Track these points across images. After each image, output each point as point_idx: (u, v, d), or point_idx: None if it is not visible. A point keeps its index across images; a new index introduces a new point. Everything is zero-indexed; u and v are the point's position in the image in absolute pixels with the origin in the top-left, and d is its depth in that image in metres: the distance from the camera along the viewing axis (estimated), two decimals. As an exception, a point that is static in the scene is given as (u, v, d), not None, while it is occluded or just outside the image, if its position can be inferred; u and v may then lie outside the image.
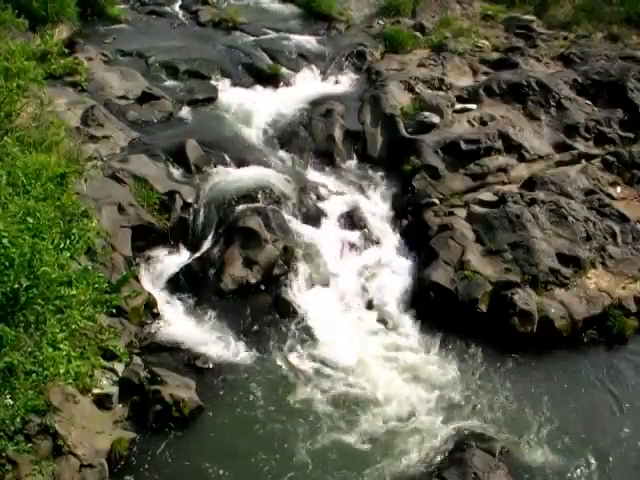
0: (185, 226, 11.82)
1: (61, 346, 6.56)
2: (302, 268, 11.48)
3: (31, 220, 6.71)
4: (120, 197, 11.43)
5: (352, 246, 11.99)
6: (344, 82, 15.86)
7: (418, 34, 17.39)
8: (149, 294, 10.69)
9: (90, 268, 7.39)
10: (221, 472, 8.57)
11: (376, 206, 12.72)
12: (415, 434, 9.14)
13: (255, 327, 10.68)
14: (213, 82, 15.23)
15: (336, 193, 12.81)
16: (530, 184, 12.62)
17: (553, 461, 8.88)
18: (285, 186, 12.55)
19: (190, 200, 12.00)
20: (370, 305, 11.19)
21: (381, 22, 18.26)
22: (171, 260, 11.44)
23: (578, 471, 8.78)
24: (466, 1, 19.38)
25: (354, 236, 12.08)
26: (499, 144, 13.34)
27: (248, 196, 12.12)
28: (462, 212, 12.21)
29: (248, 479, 8.58)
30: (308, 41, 17.19)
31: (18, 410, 6.46)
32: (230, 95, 14.99)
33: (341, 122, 14.07)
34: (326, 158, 13.62)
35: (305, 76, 15.91)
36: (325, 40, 17.37)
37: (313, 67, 16.16)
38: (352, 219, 12.31)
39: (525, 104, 14.33)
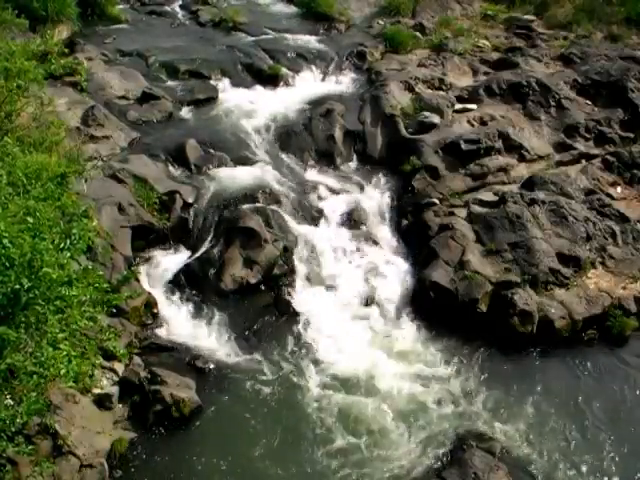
0: (185, 226, 11.82)
1: (61, 346, 6.56)
2: (302, 268, 11.49)
3: (31, 220, 6.72)
4: (120, 197, 11.43)
5: (352, 246, 11.98)
6: (344, 82, 15.88)
7: (418, 34, 17.42)
8: (149, 294, 10.69)
9: (90, 268, 7.39)
10: (221, 472, 8.57)
11: (376, 206, 12.72)
12: (415, 434, 9.14)
13: (255, 327, 10.68)
14: (213, 82, 15.26)
15: (336, 193, 12.81)
16: (530, 184, 12.62)
17: (553, 461, 8.88)
18: (285, 186, 12.56)
19: (190, 200, 12.01)
20: (370, 305, 11.18)
21: (381, 22, 18.28)
22: (171, 260, 11.44)
23: (578, 471, 8.78)
24: (466, 1, 19.41)
25: (354, 236, 12.08)
26: (499, 144, 13.35)
27: (248, 196, 12.13)
28: (462, 212, 12.21)
29: (248, 478, 8.58)
30: (308, 41, 17.23)
31: (22, 414, 6.45)
32: (230, 95, 15.01)
33: (341, 122, 14.08)
34: (326, 158, 13.63)
35: (305, 76, 15.92)
36: (325, 40, 17.40)
37: (313, 67, 16.17)
38: (352, 219, 12.31)
39: (525, 104, 14.34)
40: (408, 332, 10.78)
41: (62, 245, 6.93)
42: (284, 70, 15.80)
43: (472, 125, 13.87)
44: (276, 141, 13.79)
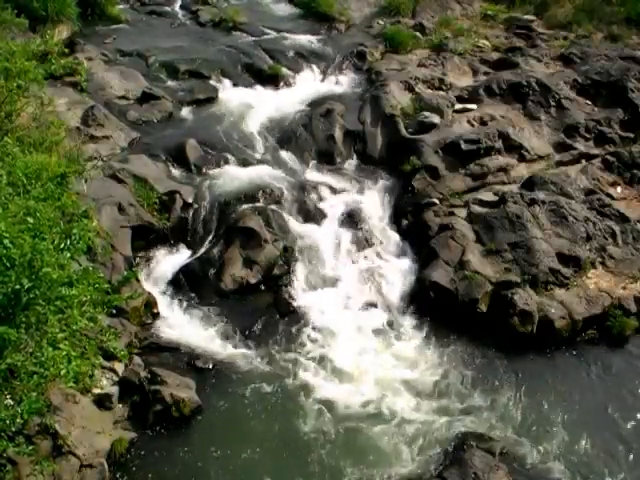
0: (185, 226, 11.83)
1: (61, 346, 6.56)
2: (302, 268, 11.49)
3: (31, 220, 6.72)
4: (120, 197, 11.44)
5: (352, 246, 11.97)
6: (344, 82, 15.87)
7: (418, 34, 17.41)
8: (149, 294, 10.69)
9: (90, 269, 7.39)
10: (221, 472, 8.57)
11: (376, 206, 12.72)
12: (415, 434, 9.14)
13: (255, 327, 10.68)
14: (213, 82, 15.25)
15: (336, 193, 12.80)
16: (530, 184, 12.62)
17: (553, 461, 8.87)
18: (285, 186, 12.55)
19: (190, 200, 12.02)
20: (370, 305, 11.19)
21: (381, 22, 18.27)
22: (171, 260, 11.44)
23: (578, 471, 8.78)
24: (466, 1, 19.39)
25: (354, 236, 12.07)
26: (499, 144, 13.35)
27: (248, 196, 12.14)
28: (462, 212, 12.21)
29: (247, 478, 8.58)
30: (308, 41, 17.21)
31: (22, 413, 6.45)
32: (230, 95, 15.00)
33: (341, 122, 14.07)
34: (326, 158, 13.62)
35: (305, 76, 15.92)
36: (325, 40, 17.38)
37: (313, 67, 16.17)
38: (352, 219, 12.30)
39: (525, 104, 14.34)
40: (408, 332, 10.78)
41: (62, 245, 6.93)
42: (284, 70, 15.80)
43: (472, 125, 13.86)
44: (276, 141, 13.80)
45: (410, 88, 14.86)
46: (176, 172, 12.66)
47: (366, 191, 12.95)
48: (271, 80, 15.57)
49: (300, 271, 11.44)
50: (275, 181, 12.61)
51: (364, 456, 8.86)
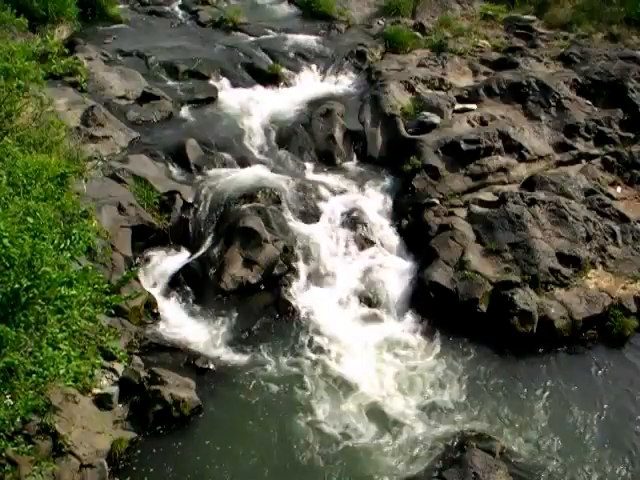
0: (185, 226, 11.83)
1: (61, 346, 6.57)
2: (302, 268, 11.50)
3: (31, 220, 6.73)
4: (120, 197, 11.44)
5: (352, 246, 11.97)
6: (344, 82, 15.88)
7: (418, 34, 17.43)
8: (149, 294, 10.70)
9: (90, 268, 7.39)
10: (221, 472, 8.57)
11: (376, 206, 12.70)
12: (415, 434, 9.13)
13: (255, 327, 10.69)
14: (213, 82, 15.27)
15: (336, 193, 12.79)
16: (530, 184, 12.62)
17: (553, 461, 8.87)
18: (285, 186, 12.55)
19: (190, 200, 12.02)
20: (370, 305, 11.18)
21: (381, 22, 18.29)
22: (171, 260, 11.45)
23: (578, 471, 8.78)
24: (466, 1, 19.39)
25: (354, 236, 12.07)
26: (499, 144, 13.33)
27: (248, 196, 12.12)
28: (462, 212, 12.21)
29: (247, 479, 8.58)
30: (308, 41, 17.21)
31: (18, 410, 6.45)
32: (230, 95, 15.02)
33: (341, 122, 14.07)
34: (326, 158, 13.63)
35: (305, 76, 15.93)
36: (325, 40, 17.38)
37: (313, 67, 16.18)
38: (352, 219, 12.29)
39: (525, 104, 14.34)
40: (408, 332, 10.77)
41: (62, 245, 6.94)
42: (284, 70, 15.81)
43: (472, 125, 13.86)
44: (276, 141, 13.80)
45: (410, 88, 14.86)
46: (176, 172, 12.67)
47: (366, 191, 12.94)
48: (271, 80, 15.58)
49: (300, 271, 11.44)
50: (275, 181, 12.60)
51: (364, 456, 8.85)
